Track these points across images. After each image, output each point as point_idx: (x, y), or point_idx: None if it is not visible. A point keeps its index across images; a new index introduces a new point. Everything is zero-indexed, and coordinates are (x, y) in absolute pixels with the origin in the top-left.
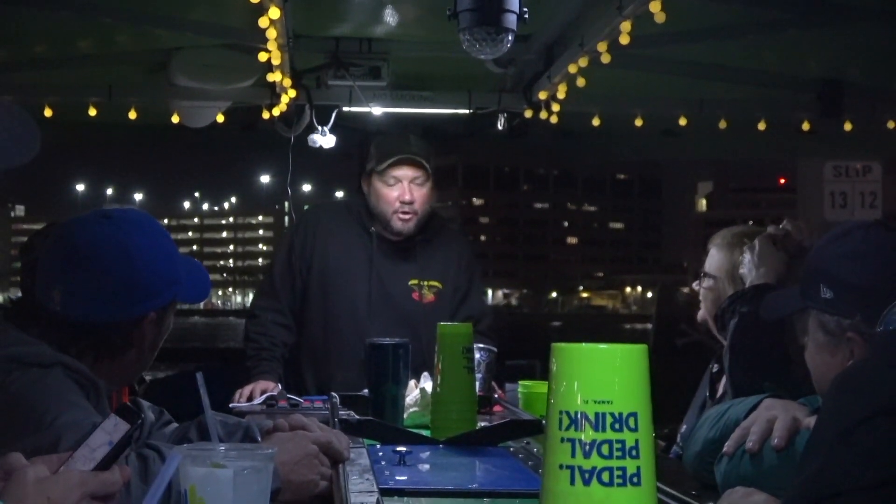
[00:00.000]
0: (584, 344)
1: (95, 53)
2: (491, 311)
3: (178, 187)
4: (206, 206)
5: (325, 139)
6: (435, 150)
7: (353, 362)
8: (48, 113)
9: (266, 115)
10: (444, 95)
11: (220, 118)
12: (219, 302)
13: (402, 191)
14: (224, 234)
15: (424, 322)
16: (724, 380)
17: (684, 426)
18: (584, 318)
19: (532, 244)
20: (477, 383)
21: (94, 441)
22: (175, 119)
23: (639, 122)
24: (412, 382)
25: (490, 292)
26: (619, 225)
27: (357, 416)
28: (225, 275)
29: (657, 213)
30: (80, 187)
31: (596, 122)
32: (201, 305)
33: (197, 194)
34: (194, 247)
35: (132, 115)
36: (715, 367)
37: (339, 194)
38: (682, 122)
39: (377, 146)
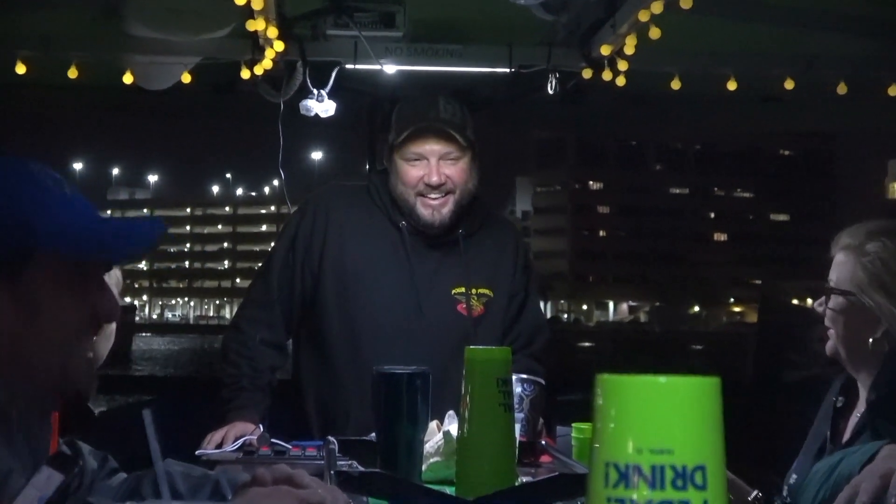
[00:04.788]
0: (636, 376)
1: None
2: (548, 328)
3: (203, 167)
4: (240, 192)
5: (321, 106)
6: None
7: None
8: None
9: (246, 75)
10: (477, 50)
11: (187, 78)
12: None
13: (427, 170)
14: (263, 228)
15: (472, 342)
16: (852, 418)
17: (793, 477)
18: (736, 338)
19: (666, 241)
20: (517, 425)
21: (21, 501)
22: (128, 79)
23: (731, 86)
24: (434, 424)
25: (611, 304)
26: (782, 216)
27: (360, 468)
28: None
29: (828, 201)
30: (78, 167)
31: (675, 84)
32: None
33: (229, 176)
34: (225, 244)
35: (72, 73)
36: (840, 401)
37: None
38: (788, 85)
39: (397, 113)
